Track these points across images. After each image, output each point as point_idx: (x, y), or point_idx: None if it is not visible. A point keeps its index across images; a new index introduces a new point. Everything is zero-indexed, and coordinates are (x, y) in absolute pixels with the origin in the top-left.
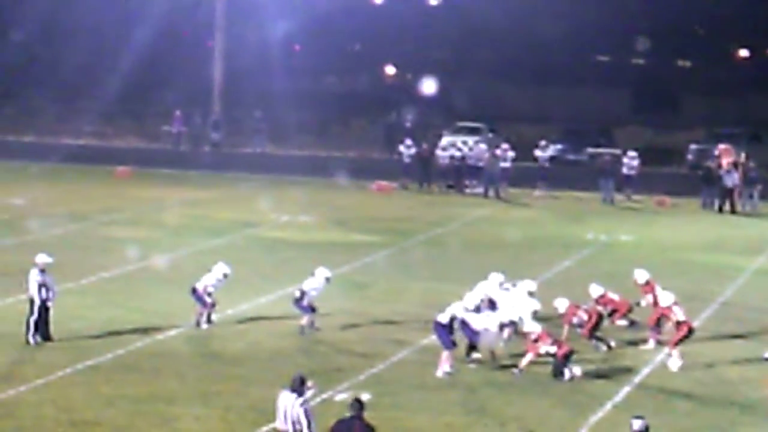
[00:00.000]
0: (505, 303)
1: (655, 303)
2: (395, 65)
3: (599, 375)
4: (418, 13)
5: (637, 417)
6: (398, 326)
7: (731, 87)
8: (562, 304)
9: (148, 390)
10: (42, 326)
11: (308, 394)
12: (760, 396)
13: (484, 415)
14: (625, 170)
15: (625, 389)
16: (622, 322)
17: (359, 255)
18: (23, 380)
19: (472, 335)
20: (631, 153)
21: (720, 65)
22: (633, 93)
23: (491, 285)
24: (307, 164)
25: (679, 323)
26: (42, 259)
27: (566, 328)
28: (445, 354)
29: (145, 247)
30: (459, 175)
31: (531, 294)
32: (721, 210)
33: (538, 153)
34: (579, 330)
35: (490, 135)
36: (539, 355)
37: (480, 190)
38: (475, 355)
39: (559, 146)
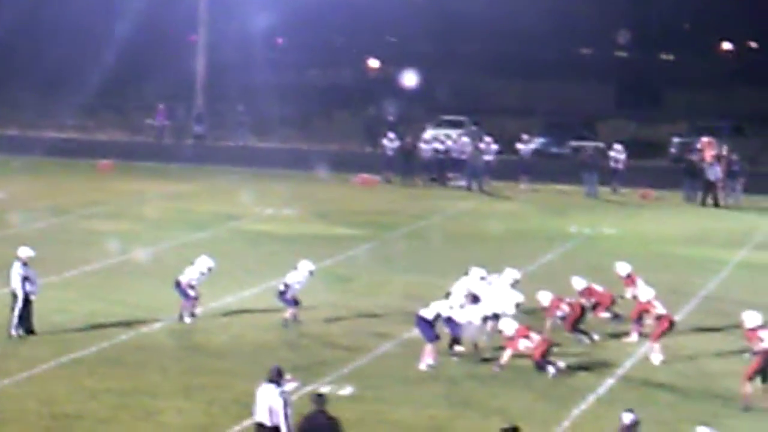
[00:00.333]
0: (487, 296)
1: (636, 297)
2: (378, 59)
3: (582, 368)
4: (401, 7)
5: (628, 411)
6: (381, 319)
7: (714, 80)
8: (545, 298)
9: (131, 383)
10: (25, 319)
11: (288, 386)
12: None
13: (467, 408)
14: (611, 164)
15: (608, 382)
16: (606, 315)
17: (342, 248)
18: (6, 373)
19: (455, 328)
20: (618, 146)
21: (703, 59)
22: (616, 86)
23: (472, 279)
24: (290, 157)
25: (659, 317)
26: (25, 252)
27: (549, 321)
28: (428, 347)
29: (128, 240)
30: (442, 168)
31: (516, 283)
32: (704, 203)
33: (520, 146)
34: (560, 323)
35: (474, 128)
36: (520, 350)
37: (463, 183)
38: (458, 348)
39: (542, 139)
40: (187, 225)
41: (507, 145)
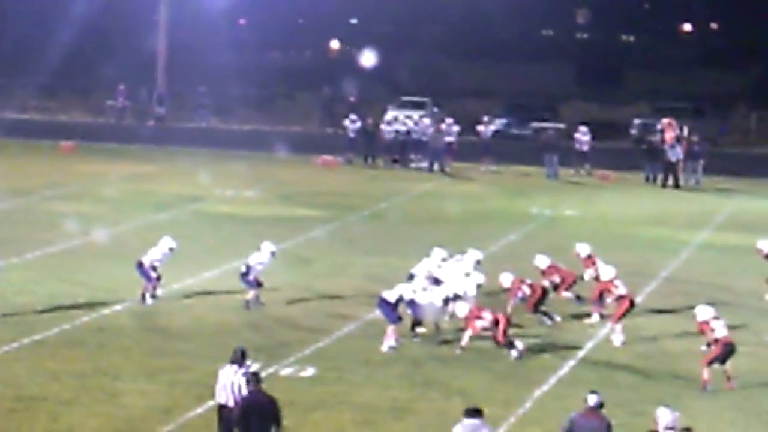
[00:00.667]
0: (449, 277)
1: (598, 277)
2: (340, 40)
3: (544, 349)
4: None
5: (593, 392)
6: (343, 301)
7: (675, 62)
8: (507, 279)
9: (93, 365)
10: None
11: (249, 367)
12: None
13: (429, 389)
14: (577, 146)
15: (570, 363)
16: (568, 295)
17: (304, 229)
18: None
19: (417, 310)
20: (583, 128)
21: (664, 40)
22: (577, 68)
23: (433, 261)
24: (252, 139)
25: (620, 297)
26: None
27: (511, 302)
28: (390, 328)
29: (90, 221)
30: (404, 149)
31: (478, 264)
32: (664, 185)
33: (481, 128)
34: (522, 304)
35: (435, 110)
36: (480, 330)
37: (425, 164)
38: (420, 330)
39: (503, 121)
40: (148, 206)
41: (468, 126)
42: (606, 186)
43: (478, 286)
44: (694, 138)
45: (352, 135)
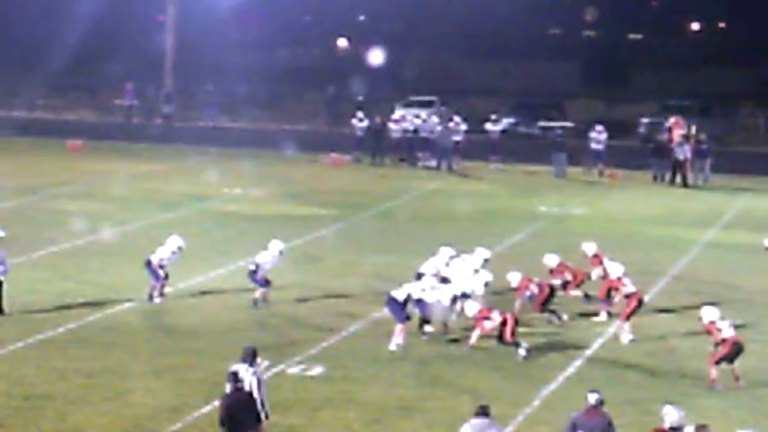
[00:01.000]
0: (457, 275)
1: (605, 275)
2: (347, 38)
3: (551, 348)
4: None
5: (592, 391)
6: (351, 299)
7: (682, 60)
8: (514, 278)
9: (101, 364)
10: None
11: (260, 366)
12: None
13: (436, 388)
14: (593, 145)
15: (577, 362)
16: (576, 293)
17: (311, 228)
18: None
19: (425, 309)
20: (599, 127)
21: (671, 39)
22: (584, 66)
23: (441, 259)
24: (259, 137)
25: (628, 295)
26: None
27: (519, 301)
28: (398, 327)
29: (97, 220)
30: (411, 148)
31: (485, 262)
32: (672, 183)
33: (489, 126)
34: (529, 303)
35: (443, 108)
36: (489, 330)
37: (432, 163)
38: (428, 329)
39: (510, 119)
40: (156, 205)
41: (476, 125)
42: (614, 185)
43: (486, 285)
44: (702, 136)
45: (359, 133)
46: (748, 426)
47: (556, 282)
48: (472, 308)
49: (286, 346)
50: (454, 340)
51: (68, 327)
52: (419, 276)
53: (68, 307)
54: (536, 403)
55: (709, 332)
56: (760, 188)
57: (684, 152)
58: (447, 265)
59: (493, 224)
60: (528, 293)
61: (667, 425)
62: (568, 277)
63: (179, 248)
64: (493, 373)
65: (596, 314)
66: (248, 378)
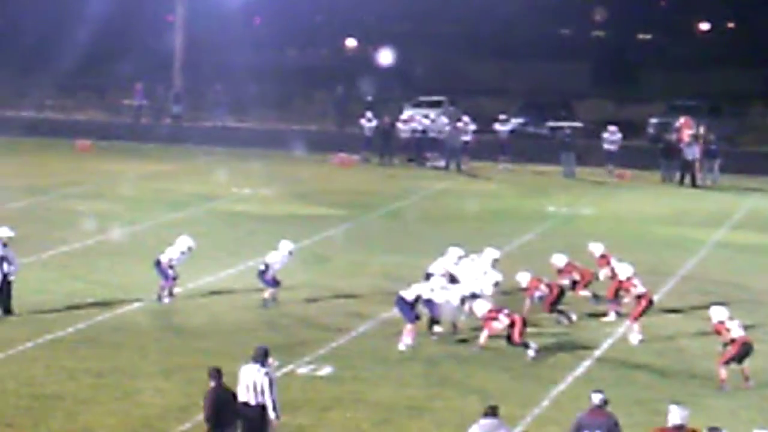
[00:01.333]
0: (466, 276)
1: (613, 275)
2: (356, 38)
3: (560, 348)
4: None
5: (596, 391)
6: (360, 299)
7: (692, 60)
8: (524, 278)
9: (110, 364)
10: (3, 300)
11: (271, 366)
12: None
13: (445, 388)
14: (606, 146)
15: (586, 362)
16: (585, 293)
17: (320, 228)
18: None
19: (434, 309)
20: (612, 128)
21: (681, 39)
22: (593, 66)
23: (450, 259)
24: (268, 137)
25: (638, 296)
26: (3, 232)
27: (528, 301)
28: (407, 327)
29: (107, 220)
30: (420, 148)
31: (495, 262)
32: (681, 183)
33: (498, 126)
34: (539, 303)
35: (451, 108)
36: (497, 331)
37: (441, 163)
38: (437, 329)
39: (519, 119)
40: (165, 205)
41: (485, 125)
42: (622, 185)
43: (495, 285)
44: (711, 136)
45: (368, 134)
46: (757, 426)
47: (565, 282)
48: (481, 308)
49: (296, 346)
50: (463, 341)
51: (77, 327)
52: (428, 276)
53: (78, 307)
54: (545, 403)
55: (718, 332)
56: None
57: (693, 152)
58: (456, 265)
59: (501, 224)
60: (538, 293)
61: (669, 424)
62: (576, 277)
63: (189, 248)
64: (502, 373)
65: (605, 314)
66: (260, 378)
